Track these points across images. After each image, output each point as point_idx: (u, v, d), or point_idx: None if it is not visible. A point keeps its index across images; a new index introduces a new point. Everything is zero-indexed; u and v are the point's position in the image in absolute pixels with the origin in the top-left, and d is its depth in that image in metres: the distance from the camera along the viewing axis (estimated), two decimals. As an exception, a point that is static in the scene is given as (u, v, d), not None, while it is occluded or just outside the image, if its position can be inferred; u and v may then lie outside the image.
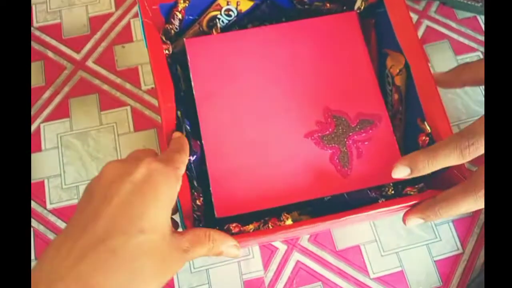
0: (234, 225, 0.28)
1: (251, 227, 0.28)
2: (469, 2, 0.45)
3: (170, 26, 0.35)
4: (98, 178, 0.23)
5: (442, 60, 0.44)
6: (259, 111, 0.32)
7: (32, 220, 0.38)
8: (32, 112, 0.42)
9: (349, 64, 0.34)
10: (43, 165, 0.40)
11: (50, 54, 0.44)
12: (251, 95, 0.33)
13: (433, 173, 0.27)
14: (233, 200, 0.30)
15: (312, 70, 0.34)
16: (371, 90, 0.33)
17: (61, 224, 0.38)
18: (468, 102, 0.42)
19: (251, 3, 0.36)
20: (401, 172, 0.27)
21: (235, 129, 0.32)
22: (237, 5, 0.35)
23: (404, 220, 0.29)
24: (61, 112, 0.42)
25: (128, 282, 0.21)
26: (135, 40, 0.45)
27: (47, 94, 0.43)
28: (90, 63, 0.44)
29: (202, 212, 0.30)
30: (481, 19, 0.46)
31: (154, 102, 0.42)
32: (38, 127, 0.41)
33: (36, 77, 0.43)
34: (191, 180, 0.30)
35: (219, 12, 0.35)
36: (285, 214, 0.29)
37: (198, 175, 0.30)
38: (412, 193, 0.29)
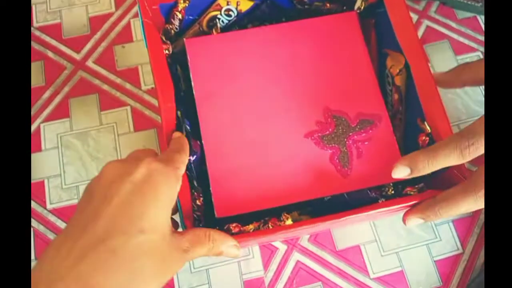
0: (234, 225, 0.28)
1: (251, 227, 0.28)
2: (469, 2, 0.45)
3: (170, 26, 0.35)
4: (98, 178, 0.23)
5: (442, 60, 0.44)
6: (259, 111, 0.32)
7: (32, 220, 0.38)
8: (32, 112, 0.42)
9: (349, 64, 0.34)
10: (43, 165, 0.40)
11: (50, 54, 0.44)
12: (251, 95, 0.33)
13: (433, 173, 0.27)
14: (233, 200, 0.30)
15: (312, 70, 0.34)
16: (371, 90, 0.33)
17: (61, 224, 0.38)
18: (468, 102, 0.42)
19: (251, 3, 0.36)
20: (401, 172, 0.27)
21: (235, 129, 0.32)
22: (237, 5, 0.35)
23: (404, 220, 0.29)
24: (61, 112, 0.42)
25: (128, 282, 0.21)
26: (135, 40, 0.45)
27: (47, 94, 0.43)
28: (90, 63, 0.44)
29: (202, 212, 0.30)
30: (481, 19, 0.46)
31: (154, 102, 0.42)
32: (38, 127, 0.41)
33: (36, 77, 0.43)
34: (191, 180, 0.30)
35: (219, 12, 0.35)
36: (285, 214, 0.29)
37: (198, 175, 0.30)
38: (412, 193, 0.29)
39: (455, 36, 0.45)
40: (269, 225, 0.28)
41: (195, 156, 0.29)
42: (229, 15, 0.36)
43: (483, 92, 0.43)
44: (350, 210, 0.27)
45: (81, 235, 0.21)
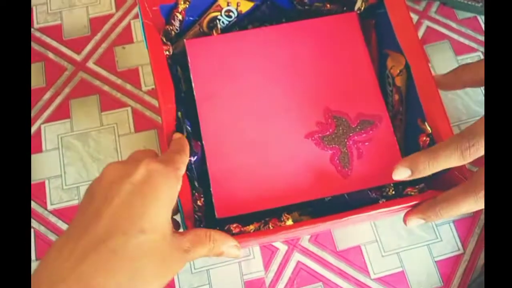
0: (234, 225, 0.28)
1: (251, 227, 0.28)
2: (470, 2, 0.45)
3: (171, 27, 0.35)
4: (99, 180, 0.24)
5: (442, 60, 0.44)
6: (259, 112, 0.32)
7: (33, 221, 0.38)
8: (33, 113, 0.42)
9: (349, 65, 0.34)
10: (44, 166, 0.40)
11: (50, 55, 0.44)
12: (252, 96, 0.33)
13: (433, 174, 0.27)
14: (234, 200, 0.30)
15: (312, 71, 0.34)
16: (371, 91, 0.33)
17: (62, 225, 0.38)
18: (469, 103, 0.42)
19: (251, 4, 0.36)
20: (401, 174, 0.27)
21: (236, 130, 0.32)
22: (237, 6, 0.35)
23: (404, 221, 0.29)
24: (62, 113, 0.42)
25: (129, 282, 0.21)
26: (135, 41, 0.45)
27: (47, 95, 0.43)
28: (90, 64, 0.44)
29: (203, 212, 0.30)
30: (481, 19, 0.46)
31: (155, 103, 0.42)
32: (39, 128, 0.42)
33: (37, 78, 0.43)
34: (191, 180, 0.30)
35: (219, 13, 0.35)
36: (286, 215, 0.29)
37: (199, 176, 0.30)
38: (412, 193, 0.29)
39: (455, 36, 0.45)
40: (270, 226, 0.28)
41: (195, 157, 0.29)
42: (229, 16, 0.36)
43: (484, 93, 0.43)
44: (351, 211, 0.27)
45: (82, 236, 0.21)
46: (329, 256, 0.37)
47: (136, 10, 0.46)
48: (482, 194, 0.25)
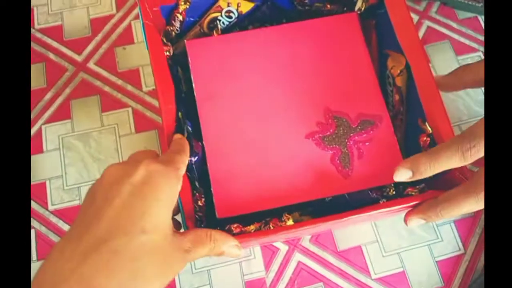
0: (235, 225, 0.28)
1: (252, 227, 0.28)
2: (470, 2, 0.45)
3: (171, 28, 0.35)
4: (100, 181, 0.24)
5: (443, 60, 0.44)
6: (260, 112, 0.33)
7: (34, 221, 0.38)
8: (34, 114, 0.42)
9: (349, 65, 0.34)
10: (45, 166, 0.40)
11: (51, 56, 0.44)
12: (252, 96, 0.33)
13: (434, 174, 0.27)
14: (234, 200, 0.30)
15: (312, 71, 0.34)
16: (372, 91, 0.33)
17: (63, 225, 0.38)
18: (469, 103, 0.42)
19: (252, 5, 0.36)
20: (403, 175, 0.27)
21: (236, 130, 0.32)
22: (238, 6, 0.35)
23: (405, 221, 0.29)
24: (63, 114, 0.42)
25: (130, 282, 0.21)
26: (136, 42, 0.45)
27: (48, 96, 0.43)
28: (91, 65, 0.44)
29: (204, 213, 0.30)
30: (482, 19, 0.46)
31: (155, 103, 0.43)
32: (40, 129, 0.42)
33: (38, 79, 0.43)
34: (192, 181, 0.30)
35: (219, 14, 0.35)
36: (286, 215, 0.29)
37: (200, 176, 0.30)
38: (413, 193, 0.29)
39: (456, 36, 0.45)
40: (270, 226, 0.28)
41: (196, 157, 0.29)
42: (230, 17, 0.36)
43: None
44: (351, 211, 0.27)
45: (83, 236, 0.21)
46: (329, 256, 0.37)
47: (136, 10, 0.46)
48: (483, 194, 0.25)
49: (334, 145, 0.32)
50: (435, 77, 0.30)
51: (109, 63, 0.44)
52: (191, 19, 0.36)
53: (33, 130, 0.42)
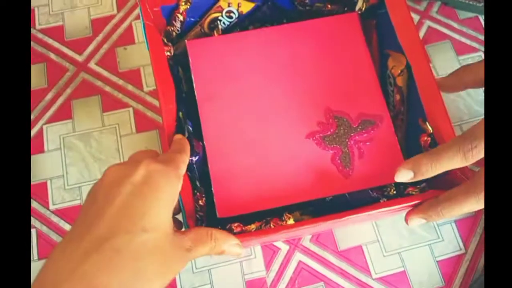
0: (236, 224, 0.28)
1: (253, 226, 0.28)
2: (471, 2, 0.45)
3: (172, 28, 0.35)
4: (100, 181, 0.24)
5: (443, 60, 0.44)
6: (261, 112, 0.33)
7: (35, 221, 0.39)
8: (35, 114, 0.42)
9: (350, 65, 0.34)
10: (46, 166, 0.40)
11: (52, 56, 0.44)
12: (253, 96, 0.33)
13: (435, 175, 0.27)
14: (235, 200, 0.30)
15: (313, 71, 0.34)
16: (372, 91, 0.33)
17: (64, 225, 0.39)
18: (470, 103, 0.42)
19: (252, 5, 0.36)
20: (404, 176, 0.27)
21: (237, 130, 0.32)
22: (238, 6, 0.35)
23: (406, 220, 0.29)
24: (64, 114, 0.42)
25: (132, 281, 0.21)
26: (137, 42, 0.45)
27: (49, 96, 0.43)
28: (92, 65, 0.44)
29: (204, 212, 0.30)
30: (482, 19, 0.46)
31: (156, 103, 0.43)
32: (41, 129, 0.42)
33: (39, 79, 0.43)
34: (193, 180, 0.30)
35: (220, 14, 0.35)
36: (287, 214, 0.29)
37: (200, 176, 0.30)
38: (414, 193, 0.29)
39: (456, 36, 0.45)
40: (271, 225, 0.28)
41: (197, 157, 0.29)
42: (230, 17, 0.36)
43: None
44: (352, 210, 0.27)
45: (84, 236, 0.21)
46: (330, 256, 0.37)
47: (137, 11, 0.46)
48: (483, 194, 0.25)
49: (334, 145, 0.32)
50: (436, 79, 0.30)
51: (110, 63, 0.44)
52: (192, 19, 0.36)
53: (34, 130, 0.42)
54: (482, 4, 0.44)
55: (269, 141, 0.32)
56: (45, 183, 0.40)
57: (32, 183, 0.40)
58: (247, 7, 0.36)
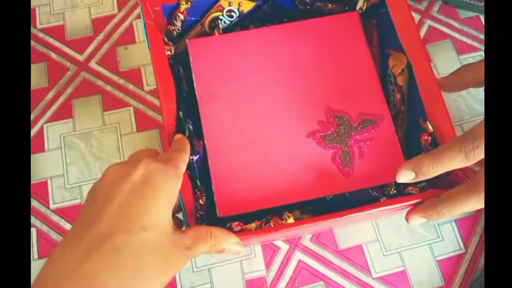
0: (236, 223, 0.28)
1: (253, 225, 0.28)
2: (472, 2, 0.45)
3: (172, 27, 0.35)
4: (101, 181, 0.24)
5: (444, 59, 0.44)
6: (261, 111, 0.33)
7: (36, 220, 0.39)
8: (36, 113, 0.42)
9: (351, 64, 0.34)
10: (46, 165, 0.40)
11: (53, 55, 0.44)
12: (253, 96, 0.33)
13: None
14: (235, 199, 0.30)
15: (314, 70, 0.34)
16: (373, 90, 0.33)
17: (64, 224, 0.39)
18: (471, 103, 0.42)
19: (253, 4, 0.36)
20: (405, 176, 0.27)
21: (237, 129, 0.32)
22: (239, 6, 0.35)
23: (407, 219, 0.29)
24: (64, 113, 0.42)
25: (132, 280, 0.21)
26: (137, 41, 0.45)
27: (50, 95, 0.43)
28: (93, 64, 0.44)
29: (205, 211, 0.30)
30: (483, 18, 0.46)
31: (157, 102, 0.43)
32: (42, 128, 0.42)
33: (40, 78, 0.43)
34: (193, 179, 0.30)
35: (221, 13, 0.35)
36: (287, 213, 0.29)
37: (201, 175, 0.30)
38: (414, 192, 0.29)
39: (457, 35, 0.45)
40: (271, 224, 0.28)
41: (198, 156, 0.29)
42: (231, 16, 0.36)
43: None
44: (352, 209, 0.27)
45: (85, 235, 0.21)
46: (330, 255, 0.37)
47: (138, 10, 0.46)
48: (484, 194, 0.25)
49: (335, 144, 0.32)
50: (437, 79, 0.30)
51: (111, 63, 0.44)
52: (193, 18, 0.36)
53: (34, 129, 0.42)
54: (483, 4, 0.44)
55: (270, 140, 0.32)
56: (46, 182, 0.40)
57: (32, 182, 0.40)
58: (247, 6, 0.36)
